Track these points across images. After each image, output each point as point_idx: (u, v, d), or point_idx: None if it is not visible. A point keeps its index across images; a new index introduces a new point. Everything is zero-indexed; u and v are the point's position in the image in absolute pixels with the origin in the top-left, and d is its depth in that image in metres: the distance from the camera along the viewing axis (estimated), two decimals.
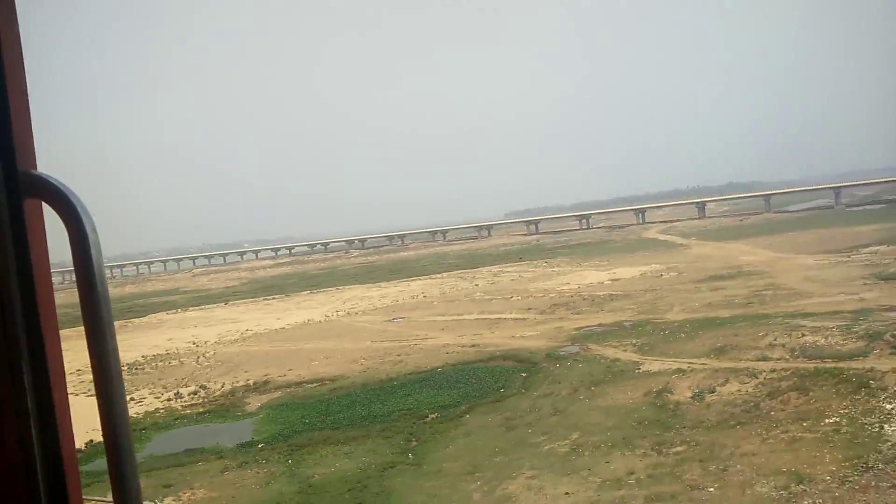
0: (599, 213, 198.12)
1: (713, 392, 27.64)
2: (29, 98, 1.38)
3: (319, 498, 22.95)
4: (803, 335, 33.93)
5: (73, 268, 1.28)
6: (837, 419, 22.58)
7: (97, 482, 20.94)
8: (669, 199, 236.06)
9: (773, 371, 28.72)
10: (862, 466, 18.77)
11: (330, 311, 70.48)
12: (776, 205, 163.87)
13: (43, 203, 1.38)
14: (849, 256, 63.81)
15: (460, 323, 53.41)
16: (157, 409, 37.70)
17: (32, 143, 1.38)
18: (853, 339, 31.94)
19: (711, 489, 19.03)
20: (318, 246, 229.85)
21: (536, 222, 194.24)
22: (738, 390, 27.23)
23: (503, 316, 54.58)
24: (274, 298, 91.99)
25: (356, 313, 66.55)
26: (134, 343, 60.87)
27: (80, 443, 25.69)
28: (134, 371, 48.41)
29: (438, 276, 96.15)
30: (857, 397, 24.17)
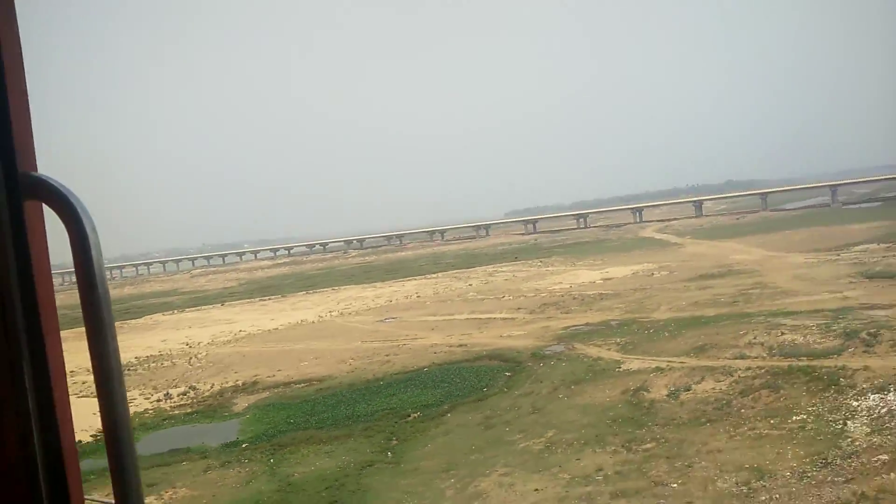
0: (597, 213, 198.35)
1: (688, 390, 28.08)
2: (29, 99, 1.39)
3: (297, 496, 23.42)
4: (782, 334, 34.33)
5: (73, 269, 1.28)
6: (804, 416, 23.01)
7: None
8: (668, 198, 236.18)
9: (748, 369, 29.14)
10: (821, 462, 19.20)
11: (324, 311, 70.96)
12: (774, 203, 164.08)
13: (43, 204, 1.38)
14: (838, 255, 64.14)
15: (451, 323, 53.85)
16: (146, 409, 38.20)
17: (32, 144, 1.39)
18: (830, 338, 32.34)
19: (675, 485, 19.48)
20: (317, 246, 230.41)
21: (534, 222, 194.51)
22: (713, 388, 27.66)
23: (493, 316, 55.01)
24: (270, 299, 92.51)
25: (349, 314, 67.03)
26: (128, 344, 61.33)
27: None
28: (126, 372, 48.73)
29: (434, 276, 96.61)
30: (826, 395, 24.60)
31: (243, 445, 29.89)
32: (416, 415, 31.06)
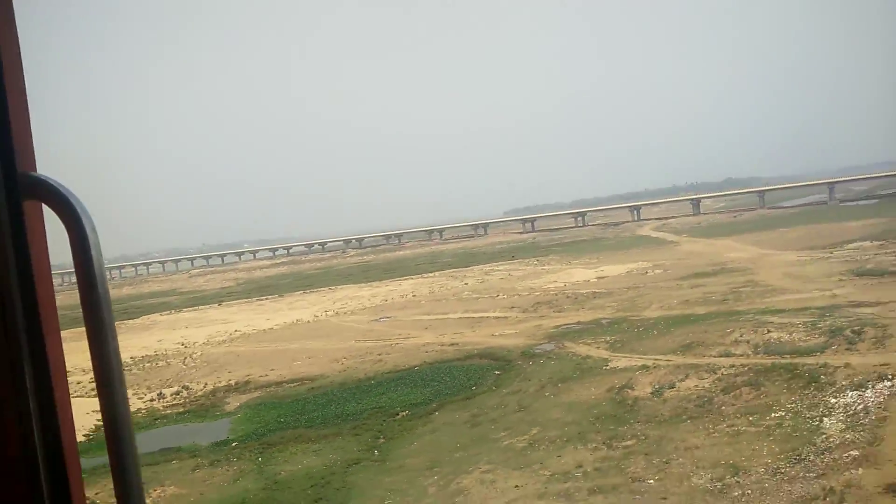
0: (595, 211, 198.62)
1: (672, 388, 28.37)
2: (28, 99, 1.39)
3: (282, 494, 23.74)
4: (769, 331, 34.62)
5: (73, 269, 1.28)
6: (783, 413, 23.30)
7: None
8: (668, 196, 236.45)
9: (732, 367, 29.44)
10: (795, 458, 19.50)
11: (320, 311, 71.31)
12: (772, 200, 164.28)
13: (43, 204, 1.38)
14: (831, 252, 64.44)
15: (444, 322, 54.17)
16: (139, 409, 38.50)
17: (32, 144, 1.38)
18: (815, 335, 32.62)
19: (651, 481, 19.78)
20: (316, 246, 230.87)
21: (532, 220, 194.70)
22: (696, 386, 27.96)
23: (487, 314, 55.32)
24: (267, 299, 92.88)
25: (345, 313, 67.38)
26: (124, 345, 61.54)
27: None
28: None
29: (430, 275, 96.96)
30: (806, 392, 24.89)
31: (233, 444, 30.21)
32: (404, 413, 31.37)
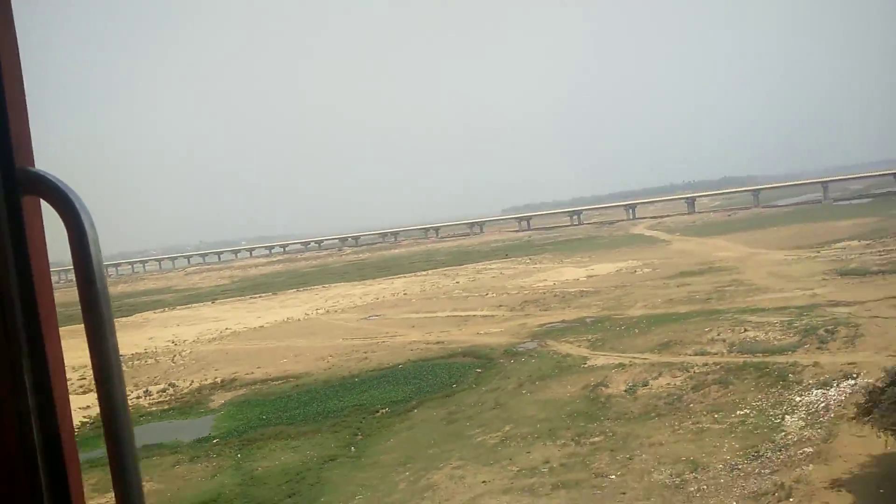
0: (591, 209, 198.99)
1: (646, 385, 28.83)
2: (26, 94, 1.38)
3: (257, 489, 24.20)
4: (745, 330, 35.10)
5: (71, 266, 1.27)
6: (747, 411, 23.77)
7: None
8: (664, 195, 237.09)
9: (705, 365, 29.91)
10: (753, 455, 19.97)
11: (311, 309, 71.73)
12: (767, 199, 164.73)
13: (41, 200, 1.37)
14: (818, 252, 64.88)
15: (432, 320, 54.62)
16: None
17: (30, 139, 1.37)
18: (790, 335, 33.10)
19: (613, 476, 20.25)
20: (312, 244, 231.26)
21: (528, 218, 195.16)
22: (668, 384, 28.42)
23: (475, 313, 55.75)
24: (260, 297, 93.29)
25: (336, 311, 67.80)
26: None
27: None
28: None
29: (424, 273, 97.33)
30: (773, 390, 25.36)
31: (214, 441, 30.66)
32: (384, 411, 31.82)
